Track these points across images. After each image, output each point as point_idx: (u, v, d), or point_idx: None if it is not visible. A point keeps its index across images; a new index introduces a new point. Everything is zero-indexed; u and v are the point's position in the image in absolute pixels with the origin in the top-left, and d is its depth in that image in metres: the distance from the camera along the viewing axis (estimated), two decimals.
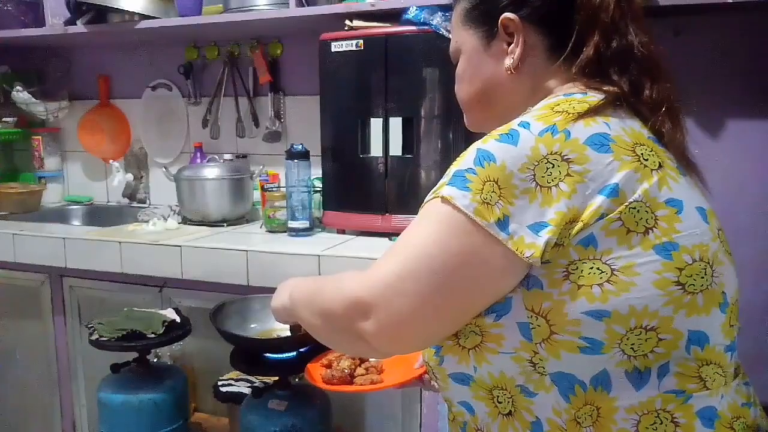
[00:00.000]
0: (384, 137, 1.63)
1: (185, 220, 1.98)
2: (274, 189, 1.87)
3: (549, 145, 0.63)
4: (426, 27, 1.54)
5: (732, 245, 0.72)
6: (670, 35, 1.55)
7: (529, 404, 0.68)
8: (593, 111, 0.67)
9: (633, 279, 0.63)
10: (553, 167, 0.63)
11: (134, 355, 1.55)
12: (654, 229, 0.64)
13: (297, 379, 1.45)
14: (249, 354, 1.38)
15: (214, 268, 1.60)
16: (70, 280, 1.85)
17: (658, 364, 0.64)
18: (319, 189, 1.82)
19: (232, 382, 1.60)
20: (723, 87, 1.55)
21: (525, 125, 0.66)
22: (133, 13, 1.96)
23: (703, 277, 0.65)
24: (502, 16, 0.76)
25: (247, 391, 1.55)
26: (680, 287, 0.64)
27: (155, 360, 1.71)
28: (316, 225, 1.81)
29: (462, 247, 0.64)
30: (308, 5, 1.79)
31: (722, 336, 0.67)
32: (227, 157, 2.12)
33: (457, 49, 0.84)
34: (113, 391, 1.51)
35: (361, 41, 1.62)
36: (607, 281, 0.63)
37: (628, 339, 0.63)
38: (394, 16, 1.62)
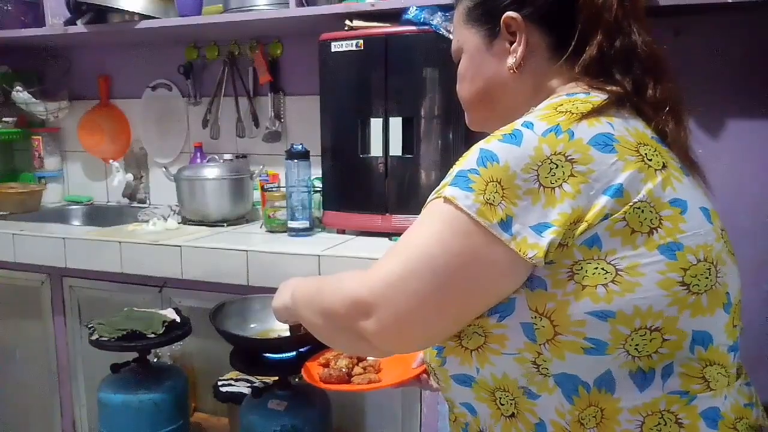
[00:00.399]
0: (384, 137, 1.63)
1: (185, 220, 1.98)
2: (274, 189, 1.87)
3: (553, 145, 0.63)
4: (426, 27, 1.54)
5: (732, 245, 0.72)
6: (670, 35, 1.54)
7: (532, 406, 0.68)
8: (597, 111, 0.67)
9: (638, 279, 0.62)
10: (557, 167, 0.63)
11: (134, 355, 1.55)
12: (658, 229, 0.63)
13: (297, 379, 1.45)
14: (249, 354, 1.38)
15: (214, 268, 1.60)
16: (70, 280, 1.85)
17: (662, 365, 0.64)
18: (319, 189, 1.82)
19: (232, 382, 1.60)
20: (723, 87, 1.55)
21: (528, 125, 0.66)
22: (133, 13, 1.96)
23: (707, 278, 0.65)
24: (505, 15, 0.75)
25: (246, 391, 1.55)
26: (685, 287, 0.63)
27: (155, 360, 1.71)
28: (316, 225, 1.81)
29: (464, 248, 0.64)
30: (308, 5, 1.79)
31: (725, 336, 0.67)
32: (227, 157, 2.12)
33: (459, 49, 0.83)
34: (113, 391, 1.51)
35: (361, 41, 1.62)
36: (612, 281, 0.62)
37: (632, 339, 0.63)
38: (394, 16, 1.62)
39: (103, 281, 1.79)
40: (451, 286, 0.65)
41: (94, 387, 1.58)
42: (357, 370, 1.09)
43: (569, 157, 0.63)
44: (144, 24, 1.96)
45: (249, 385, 1.58)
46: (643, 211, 0.63)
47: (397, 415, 1.52)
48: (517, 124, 0.67)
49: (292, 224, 1.75)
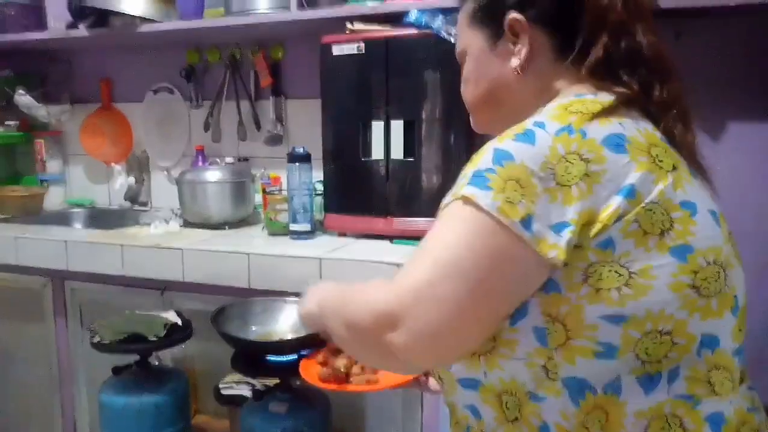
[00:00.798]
0: (385, 140, 1.63)
1: (187, 223, 1.98)
2: (275, 192, 1.87)
3: (566, 144, 0.63)
4: (427, 30, 1.54)
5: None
6: (671, 38, 1.54)
7: (537, 409, 0.67)
8: (607, 111, 0.67)
9: (650, 282, 0.62)
10: (572, 166, 0.62)
11: (135, 357, 1.55)
12: (669, 231, 0.63)
13: (298, 382, 1.45)
14: (250, 356, 1.39)
15: (215, 270, 1.60)
16: (71, 283, 1.85)
17: (668, 368, 0.64)
18: (320, 192, 1.82)
19: (233, 384, 1.60)
20: (724, 90, 1.55)
21: (540, 125, 0.65)
22: (135, 17, 1.96)
23: (717, 281, 0.64)
24: (509, 17, 0.75)
25: (248, 393, 1.55)
26: (695, 290, 0.63)
27: (156, 363, 1.71)
28: (317, 228, 1.81)
29: (490, 248, 0.62)
30: (309, 8, 1.79)
31: (731, 340, 0.67)
32: (229, 160, 2.12)
33: (464, 51, 0.83)
34: (114, 393, 1.51)
35: (363, 44, 1.62)
36: (625, 284, 0.62)
37: (642, 343, 0.62)
38: (395, 19, 1.62)
39: (104, 284, 1.79)
40: (483, 289, 0.62)
41: (96, 389, 1.59)
42: (355, 369, 1.08)
43: (583, 157, 0.62)
44: (146, 27, 1.96)
45: (250, 387, 1.58)
46: (654, 213, 0.63)
47: (397, 417, 1.51)
48: (528, 123, 0.66)
49: (293, 227, 1.75)
